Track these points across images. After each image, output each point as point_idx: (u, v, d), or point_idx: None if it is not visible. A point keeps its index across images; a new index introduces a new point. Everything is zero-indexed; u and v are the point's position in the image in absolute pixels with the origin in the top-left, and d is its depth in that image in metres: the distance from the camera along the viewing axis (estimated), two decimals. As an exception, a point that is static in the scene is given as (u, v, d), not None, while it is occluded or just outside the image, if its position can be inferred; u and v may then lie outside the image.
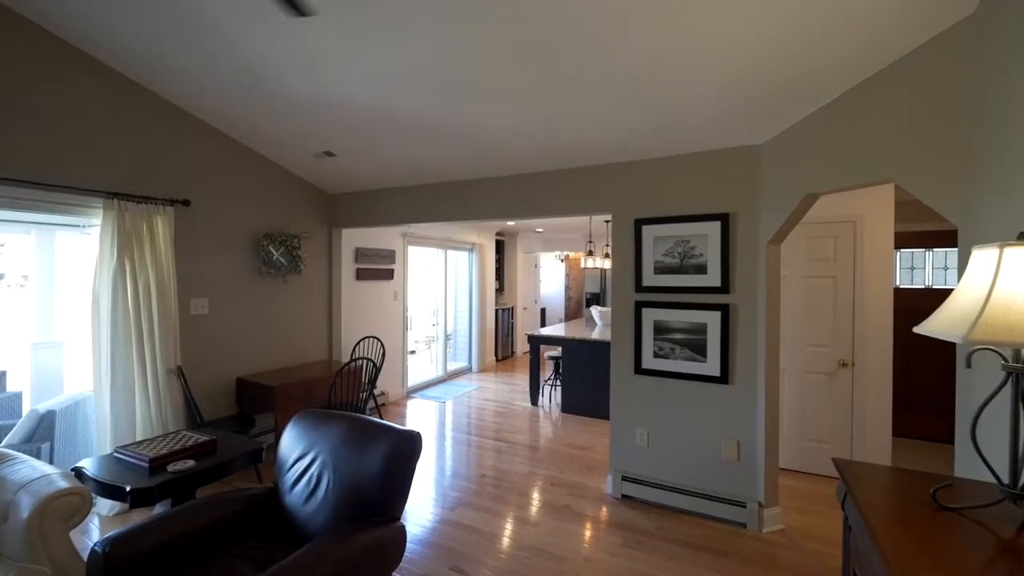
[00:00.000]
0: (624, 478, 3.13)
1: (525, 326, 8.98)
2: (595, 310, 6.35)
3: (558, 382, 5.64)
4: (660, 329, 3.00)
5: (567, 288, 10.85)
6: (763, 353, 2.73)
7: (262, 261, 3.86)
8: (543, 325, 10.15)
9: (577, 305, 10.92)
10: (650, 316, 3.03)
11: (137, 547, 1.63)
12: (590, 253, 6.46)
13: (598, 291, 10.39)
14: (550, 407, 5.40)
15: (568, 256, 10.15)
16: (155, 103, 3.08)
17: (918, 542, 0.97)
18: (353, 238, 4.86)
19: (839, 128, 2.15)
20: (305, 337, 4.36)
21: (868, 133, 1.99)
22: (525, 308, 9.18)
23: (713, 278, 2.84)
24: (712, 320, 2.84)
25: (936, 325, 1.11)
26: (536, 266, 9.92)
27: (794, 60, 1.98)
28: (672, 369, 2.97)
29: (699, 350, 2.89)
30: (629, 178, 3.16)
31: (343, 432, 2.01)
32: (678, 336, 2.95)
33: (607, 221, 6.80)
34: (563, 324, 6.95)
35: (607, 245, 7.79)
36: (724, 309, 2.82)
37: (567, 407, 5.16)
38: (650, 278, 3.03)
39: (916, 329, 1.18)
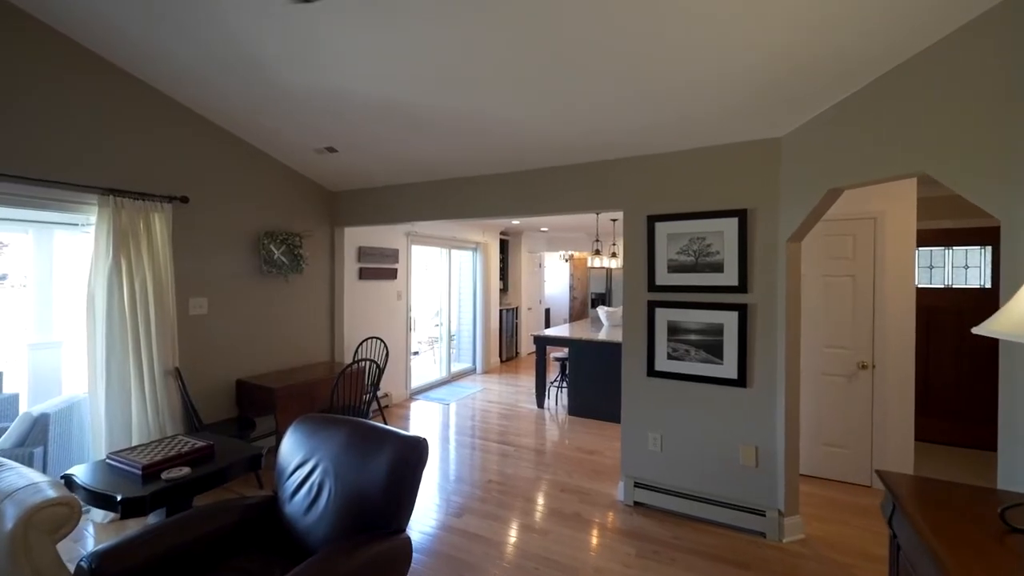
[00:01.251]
0: (636, 484, 3.02)
1: (529, 327, 8.87)
2: (602, 310, 6.24)
3: (564, 384, 5.53)
4: (674, 330, 2.89)
5: (571, 288, 10.73)
6: (783, 355, 2.62)
7: (263, 260, 3.77)
8: (547, 326, 10.04)
9: (582, 305, 10.80)
10: (663, 316, 2.92)
11: (127, 561, 1.53)
12: (597, 252, 6.34)
13: (604, 291, 10.27)
14: (556, 409, 5.29)
15: (573, 256, 10.03)
16: (154, 98, 2.99)
17: (989, 568, 0.86)
18: (356, 237, 4.77)
19: (867, 118, 2.04)
20: (307, 338, 4.27)
21: (899, 123, 1.87)
22: (529, 308, 9.08)
23: (730, 277, 2.73)
24: (729, 321, 2.73)
25: (1002, 326, 0.99)
26: (540, 266, 9.81)
27: (818, 47, 1.87)
28: (687, 371, 2.86)
29: (715, 352, 2.78)
30: (642, 173, 3.05)
31: (345, 438, 1.91)
32: (693, 337, 2.83)
33: (613, 220, 6.70)
34: (568, 324, 6.84)
35: (613, 244, 7.68)
36: (742, 309, 2.70)
37: (574, 410, 5.05)
38: (664, 277, 2.92)
39: (976, 330, 1.06)
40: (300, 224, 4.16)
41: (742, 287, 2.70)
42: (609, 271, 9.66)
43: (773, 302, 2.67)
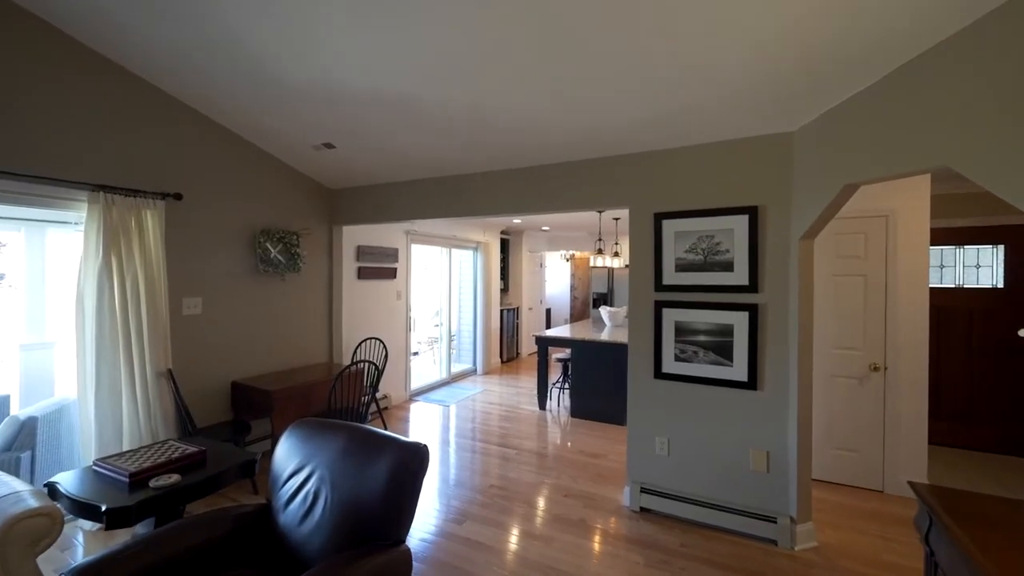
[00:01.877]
0: (643, 489, 2.93)
1: (530, 327, 8.79)
2: (604, 310, 6.16)
3: (566, 385, 5.45)
4: (682, 331, 2.81)
5: (572, 288, 10.66)
6: (795, 356, 2.53)
7: (259, 259, 3.68)
8: (548, 326, 9.96)
9: (583, 305, 10.72)
10: (671, 317, 2.84)
11: (110, 576, 1.45)
12: (599, 251, 6.26)
13: (605, 291, 10.18)
14: (559, 411, 5.20)
15: (574, 255, 9.95)
16: (146, 92, 2.90)
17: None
18: (354, 235, 4.68)
19: (885, 110, 1.95)
20: (304, 338, 4.18)
21: (920, 115, 1.78)
22: (530, 308, 8.99)
23: (740, 276, 2.65)
24: (739, 321, 2.65)
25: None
26: (541, 266, 9.73)
27: (831, 35, 1.79)
28: (695, 373, 2.78)
29: (725, 353, 2.69)
30: (648, 169, 2.96)
31: (343, 444, 1.82)
32: (702, 338, 2.75)
33: (616, 218, 6.61)
34: (570, 325, 6.75)
35: (616, 243, 7.60)
36: (752, 309, 2.62)
37: (577, 412, 4.96)
38: (671, 276, 2.84)
39: (1024, 332, 0.98)
40: (298, 222, 4.07)
41: (752, 286, 2.62)
42: (611, 271, 9.57)
43: (785, 302, 2.58)
